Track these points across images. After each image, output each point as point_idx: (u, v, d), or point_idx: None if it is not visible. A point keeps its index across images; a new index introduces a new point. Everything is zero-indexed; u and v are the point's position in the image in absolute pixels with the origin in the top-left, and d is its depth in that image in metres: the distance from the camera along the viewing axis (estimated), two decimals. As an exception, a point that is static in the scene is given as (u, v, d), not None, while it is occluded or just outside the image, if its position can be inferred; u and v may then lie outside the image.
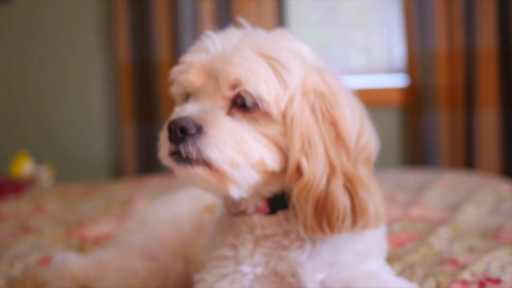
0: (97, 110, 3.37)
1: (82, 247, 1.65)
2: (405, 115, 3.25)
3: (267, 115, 0.96)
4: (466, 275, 1.19)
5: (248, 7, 3.16)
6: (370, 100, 3.21)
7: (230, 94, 0.96)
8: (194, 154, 0.93)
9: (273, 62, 0.97)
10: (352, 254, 1.02)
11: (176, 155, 0.95)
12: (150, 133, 3.20)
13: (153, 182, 2.61)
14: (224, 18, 3.16)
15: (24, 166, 2.89)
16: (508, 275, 1.16)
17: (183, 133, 0.93)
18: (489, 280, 1.15)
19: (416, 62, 3.13)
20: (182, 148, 0.93)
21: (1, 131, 3.36)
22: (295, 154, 0.96)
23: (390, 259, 1.36)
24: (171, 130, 0.94)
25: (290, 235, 1.02)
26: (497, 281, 1.14)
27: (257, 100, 0.95)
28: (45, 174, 2.92)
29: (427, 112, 3.12)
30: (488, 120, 3.03)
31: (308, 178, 0.96)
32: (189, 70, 1.00)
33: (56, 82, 3.37)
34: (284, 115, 0.97)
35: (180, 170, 0.96)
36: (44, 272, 1.36)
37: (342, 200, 0.96)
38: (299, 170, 0.97)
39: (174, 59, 3.15)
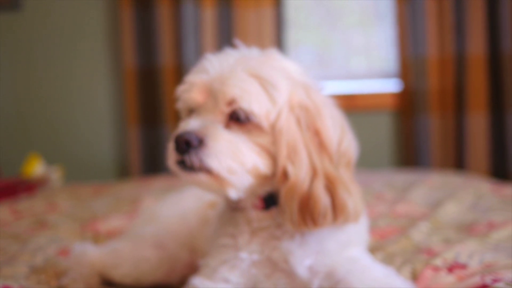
0: (104, 114, 3.46)
1: (96, 240, 1.77)
2: (398, 119, 3.36)
3: (259, 127, 1.10)
4: (438, 262, 1.34)
5: (248, 14, 3.25)
6: (366, 104, 3.34)
7: (227, 110, 1.10)
8: (197, 164, 1.07)
9: (263, 82, 1.11)
10: (336, 243, 1.16)
11: (182, 163, 1.09)
12: (155, 135, 3.29)
13: (159, 182, 2.73)
14: (225, 26, 3.26)
15: (36, 167, 2.99)
16: (474, 261, 1.31)
17: (187, 145, 1.07)
18: (457, 266, 1.30)
19: (409, 68, 3.24)
20: (187, 158, 1.07)
21: (13, 134, 3.46)
22: (282, 160, 1.10)
23: (374, 249, 1.51)
24: (177, 143, 1.08)
25: (282, 227, 1.16)
26: (464, 266, 1.29)
27: (250, 115, 1.09)
28: (56, 175, 3.01)
29: (419, 116, 3.23)
30: (477, 123, 3.14)
31: (293, 180, 1.10)
32: (192, 89, 1.14)
33: (65, 87, 3.46)
34: (273, 127, 1.11)
35: (186, 176, 1.11)
36: (65, 261, 1.51)
37: (323, 199, 1.09)
38: (285, 174, 1.11)
39: (178, 65, 3.25)
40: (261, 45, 3.12)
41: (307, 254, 1.15)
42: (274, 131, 1.11)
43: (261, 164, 1.11)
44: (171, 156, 1.12)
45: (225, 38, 3.27)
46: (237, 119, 1.11)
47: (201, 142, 1.07)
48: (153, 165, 3.31)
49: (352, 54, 3.61)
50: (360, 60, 3.61)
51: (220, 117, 1.12)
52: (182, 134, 1.08)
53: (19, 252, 1.64)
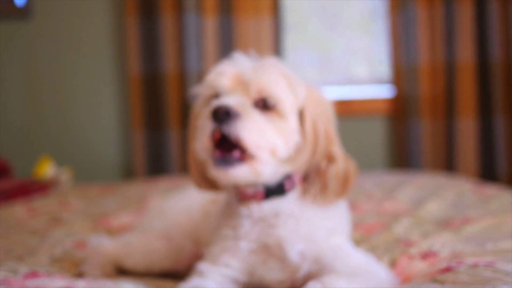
0: (110, 118, 3.58)
1: (109, 234, 1.89)
2: (391, 123, 3.50)
3: (280, 114, 1.27)
4: (413, 251, 1.50)
5: (247, 22, 3.36)
6: (361, 109, 3.48)
7: (258, 96, 1.27)
8: (231, 132, 1.21)
9: (288, 79, 1.29)
10: (324, 230, 1.32)
11: (218, 150, 1.24)
12: (158, 139, 3.39)
13: (163, 182, 2.86)
14: (226, 34, 3.37)
15: (47, 169, 3.09)
16: (446, 249, 1.47)
17: (227, 115, 1.21)
18: (430, 254, 1.46)
19: (402, 74, 3.37)
20: (224, 128, 1.21)
21: (24, 137, 3.57)
22: (321, 146, 1.30)
23: (359, 241, 1.66)
24: (217, 112, 1.21)
25: (279, 216, 1.32)
26: (435, 254, 1.45)
27: (278, 103, 1.26)
28: (65, 176, 3.12)
29: (411, 120, 3.36)
30: (466, 127, 3.29)
31: (340, 162, 1.31)
32: (222, 76, 1.30)
33: (73, 93, 3.58)
34: (300, 116, 1.30)
35: (218, 162, 1.24)
36: (82, 252, 1.65)
37: (353, 174, 1.33)
38: (330, 157, 1.31)
39: (180, 71, 3.35)
40: (261, 51, 3.29)
41: (299, 239, 1.30)
42: (302, 120, 1.30)
43: (279, 145, 1.27)
44: (204, 130, 1.25)
45: (226, 46, 3.38)
46: (262, 105, 1.27)
47: (236, 116, 1.22)
48: (157, 167, 3.40)
49: (348, 61, 3.72)
50: (356, 67, 3.73)
51: (250, 102, 1.27)
52: (224, 105, 1.22)
53: (38, 245, 1.77)
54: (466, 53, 3.27)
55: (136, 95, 3.41)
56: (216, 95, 1.30)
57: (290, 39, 3.62)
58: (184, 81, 3.36)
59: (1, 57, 3.56)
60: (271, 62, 1.31)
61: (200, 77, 3.32)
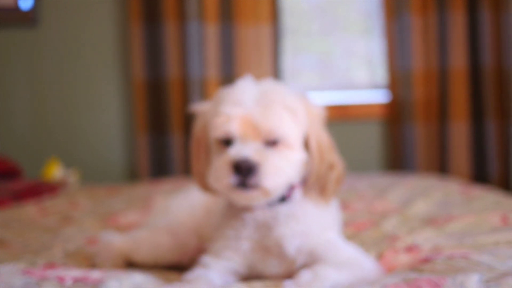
0: (115, 122, 3.68)
1: (117, 231, 2.00)
2: (387, 127, 3.60)
3: (289, 146, 1.39)
4: (398, 245, 1.63)
5: (247, 30, 3.47)
6: (358, 114, 3.58)
7: (267, 137, 1.37)
8: (254, 182, 1.34)
9: (291, 111, 1.40)
10: (318, 226, 1.45)
11: (238, 184, 1.35)
12: (162, 142, 3.49)
13: (166, 184, 2.97)
14: (227, 41, 3.47)
15: (55, 171, 3.20)
16: (428, 243, 1.59)
17: (248, 170, 1.33)
18: (412, 248, 1.59)
19: (397, 80, 3.46)
20: (250, 180, 1.34)
21: (33, 140, 3.67)
22: (327, 160, 1.43)
23: (350, 238, 1.77)
24: (239, 167, 1.32)
25: (280, 218, 1.44)
26: (418, 248, 1.58)
27: (285, 139, 1.38)
28: (73, 178, 3.23)
29: (406, 124, 3.45)
30: (459, 131, 3.38)
31: (338, 168, 1.45)
32: (232, 121, 1.37)
33: (79, 98, 3.68)
34: (305, 140, 1.42)
35: (241, 194, 1.37)
36: (93, 248, 1.77)
37: (344, 173, 1.47)
38: (331, 165, 1.44)
39: (183, 77, 3.45)
40: (260, 57, 3.41)
41: (296, 236, 1.42)
42: (308, 145, 1.43)
43: (293, 175, 1.40)
44: (225, 177, 1.36)
45: (227, 53, 3.48)
46: (272, 142, 1.38)
47: (258, 166, 1.34)
48: (160, 169, 3.49)
49: (346, 65, 3.82)
50: (354, 71, 3.82)
51: (261, 143, 1.38)
52: (245, 161, 1.33)
53: (52, 241, 1.88)
54: (458, 59, 3.37)
55: (140, 100, 3.50)
56: (228, 139, 1.38)
57: (289, 44, 3.72)
58: (186, 86, 3.46)
59: (9, 64, 3.67)
60: (274, 98, 1.39)
61: (202, 82, 3.43)
